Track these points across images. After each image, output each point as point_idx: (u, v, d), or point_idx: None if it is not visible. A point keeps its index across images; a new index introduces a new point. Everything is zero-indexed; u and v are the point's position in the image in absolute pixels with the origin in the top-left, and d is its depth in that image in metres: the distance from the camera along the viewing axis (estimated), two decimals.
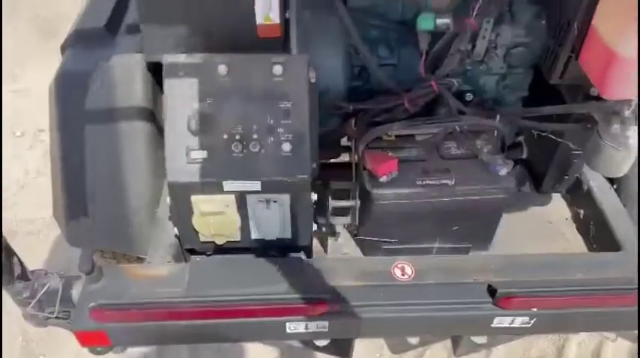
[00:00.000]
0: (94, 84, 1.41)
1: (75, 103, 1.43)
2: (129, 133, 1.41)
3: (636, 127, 1.27)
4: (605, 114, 1.27)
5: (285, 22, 1.37)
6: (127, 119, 1.41)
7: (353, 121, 1.44)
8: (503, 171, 1.30)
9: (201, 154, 1.17)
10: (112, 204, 1.44)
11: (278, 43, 1.33)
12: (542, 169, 1.63)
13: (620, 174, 1.38)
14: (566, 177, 1.58)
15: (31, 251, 2.26)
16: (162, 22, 1.25)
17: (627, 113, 1.24)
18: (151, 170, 1.44)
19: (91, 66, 1.42)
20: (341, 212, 1.43)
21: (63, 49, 1.55)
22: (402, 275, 1.27)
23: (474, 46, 1.32)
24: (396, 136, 1.39)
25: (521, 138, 1.65)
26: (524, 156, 1.63)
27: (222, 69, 1.18)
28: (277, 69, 1.20)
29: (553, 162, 1.55)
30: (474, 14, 1.23)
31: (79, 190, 1.46)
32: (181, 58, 1.20)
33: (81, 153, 1.43)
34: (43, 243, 2.44)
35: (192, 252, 1.40)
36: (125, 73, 1.40)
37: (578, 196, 1.59)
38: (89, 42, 1.52)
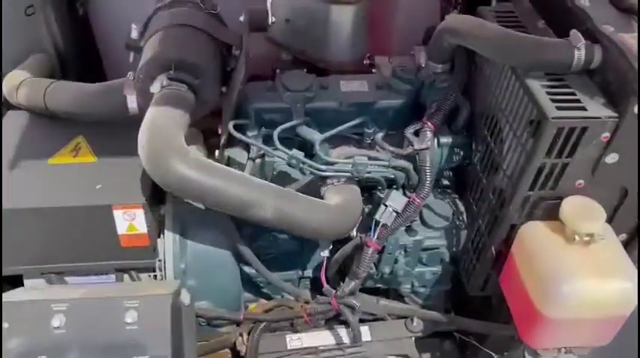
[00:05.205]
0: None
1: None
2: None
3: None
4: None
5: (160, 227, 1.14)
6: None
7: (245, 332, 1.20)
8: None
9: None
10: None
11: (148, 252, 1.11)
12: None
13: None
14: None
15: None
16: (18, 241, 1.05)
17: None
18: None
19: None
20: None
21: None
22: None
23: (379, 260, 1.12)
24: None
25: None
26: None
27: (56, 321, 0.94)
28: (131, 314, 0.96)
29: None
30: (375, 237, 1.03)
31: None
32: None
33: None
34: None
35: None
36: None
37: None
38: None
